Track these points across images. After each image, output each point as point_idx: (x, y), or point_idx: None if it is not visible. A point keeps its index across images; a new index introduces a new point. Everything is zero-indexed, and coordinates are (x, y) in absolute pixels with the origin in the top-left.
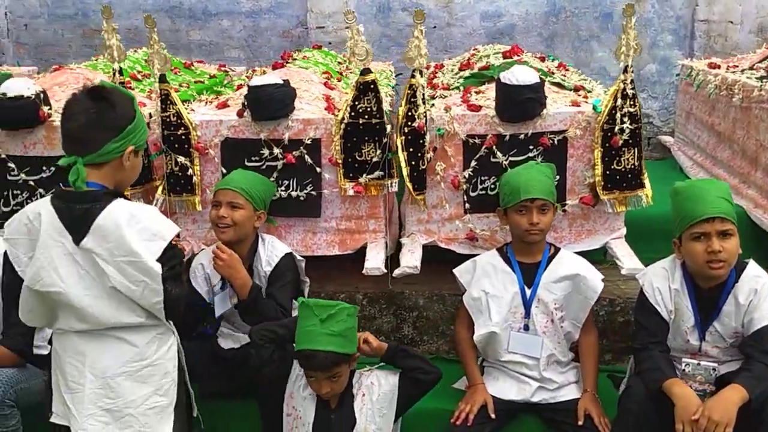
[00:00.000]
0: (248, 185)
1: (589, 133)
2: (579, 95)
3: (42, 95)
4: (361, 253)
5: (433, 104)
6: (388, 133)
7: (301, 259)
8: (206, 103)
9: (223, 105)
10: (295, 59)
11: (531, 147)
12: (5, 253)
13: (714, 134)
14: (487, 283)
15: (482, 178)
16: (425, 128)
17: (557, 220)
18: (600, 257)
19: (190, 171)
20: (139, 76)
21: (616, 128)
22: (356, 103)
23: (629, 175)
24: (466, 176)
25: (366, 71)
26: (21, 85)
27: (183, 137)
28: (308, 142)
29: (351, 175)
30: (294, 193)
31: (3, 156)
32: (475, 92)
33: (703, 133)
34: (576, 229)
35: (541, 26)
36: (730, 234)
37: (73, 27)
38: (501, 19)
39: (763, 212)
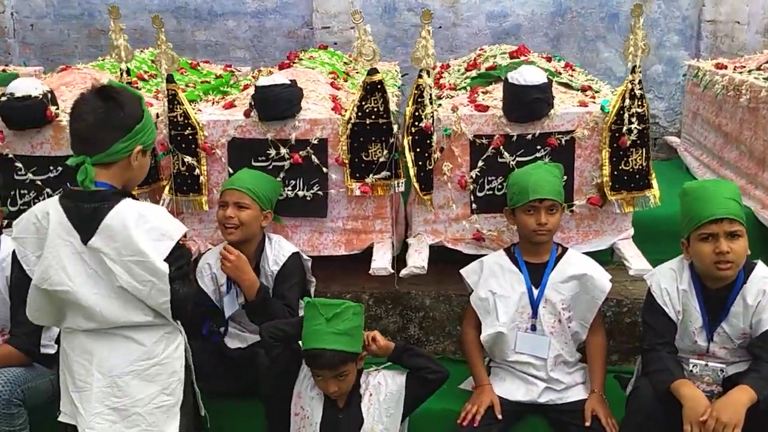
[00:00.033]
0: (254, 185)
1: (597, 134)
2: (586, 95)
3: (49, 95)
4: (367, 254)
5: (440, 104)
6: (395, 133)
7: (308, 258)
8: (213, 103)
9: (230, 105)
10: (302, 59)
11: (538, 147)
12: (13, 252)
13: (721, 135)
14: (495, 283)
15: (489, 179)
16: (432, 128)
17: (564, 220)
18: (607, 258)
19: (197, 171)
20: (146, 77)
21: (624, 128)
22: (363, 103)
23: (637, 176)
24: (473, 176)
25: (373, 71)
26: (29, 85)
27: (190, 137)
28: (315, 142)
29: (358, 175)
30: (300, 193)
31: (10, 156)
32: (482, 92)
33: (709, 133)
34: (583, 229)
35: (547, 26)
36: (739, 235)
37: (78, 27)
38: (507, 19)
39: None
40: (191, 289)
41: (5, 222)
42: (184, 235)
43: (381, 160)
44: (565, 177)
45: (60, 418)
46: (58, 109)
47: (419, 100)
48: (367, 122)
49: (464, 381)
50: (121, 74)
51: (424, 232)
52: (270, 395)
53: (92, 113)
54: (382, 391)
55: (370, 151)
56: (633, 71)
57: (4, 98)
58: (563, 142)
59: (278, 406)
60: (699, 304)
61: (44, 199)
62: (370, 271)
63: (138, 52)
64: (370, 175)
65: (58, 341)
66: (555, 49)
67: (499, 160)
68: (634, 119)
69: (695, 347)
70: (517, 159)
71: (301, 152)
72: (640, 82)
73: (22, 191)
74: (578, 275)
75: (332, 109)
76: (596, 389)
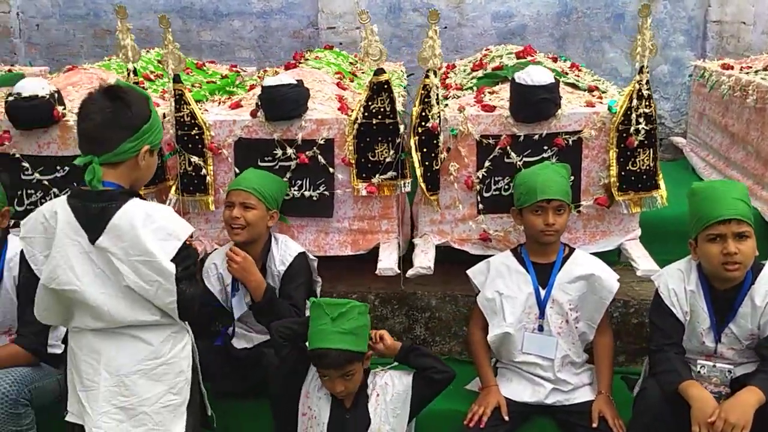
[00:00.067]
0: (261, 185)
1: (604, 134)
2: (593, 96)
3: (56, 95)
4: (373, 254)
5: (446, 104)
6: (401, 133)
7: (314, 258)
8: (219, 103)
9: (237, 105)
10: (308, 59)
11: (545, 147)
12: (21, 252)
13: (727, 135)
14: (501, 283)
15: (496, 179)
16: (439, 128)
17: (571, 221)
18: (614, 258)
19: (204, 171)
20: (152, 77)
21: (632, 129)
22: (369, 103)
23: (644, 176)
24: (480, 177)
25: (380, 71)
26: (35, 85)
27: (197, 137)
28: (321, 142)
29: (364, 175)
30: (307, 193)
31: (17, 155)
32: (489, 92)
33: (716, 134)
34: (590, 230)
35: (553, 27)
36: (747, 236)
37: (84, 27)
38: (512, 19)
39: None
40: (198, 289)
41: (12, 222)
42: (191, 236)
43: (387, 160)
44: (572, 177)
45: (67, 418)
46: (65, 109)
47: (426, 100)
48: (374, 122)
49: (471, 382)
50: (128, 74)
51: (430, 233)
52: (278, 395)
53: (100, 113)
54: (389, 392)
55: (376, 151)
56: (640, 71)
57: (11, 98)
58: (570, 142)
59: (286, 405)
60: (707, 305)
61: (51, 199)
62: (377, 272)
63: (144, 53)
64: (377, 176)
65: (65, 341)
66: (560, 50)
67: (506, 160)
68: (641, 120)
69: (703, 348)
70: (524, 159)
71: (307, 152)
72: (647, 82)
73: (29, 191)
74: (585, 275)
75: (338, 109)
76: (603, 390)
